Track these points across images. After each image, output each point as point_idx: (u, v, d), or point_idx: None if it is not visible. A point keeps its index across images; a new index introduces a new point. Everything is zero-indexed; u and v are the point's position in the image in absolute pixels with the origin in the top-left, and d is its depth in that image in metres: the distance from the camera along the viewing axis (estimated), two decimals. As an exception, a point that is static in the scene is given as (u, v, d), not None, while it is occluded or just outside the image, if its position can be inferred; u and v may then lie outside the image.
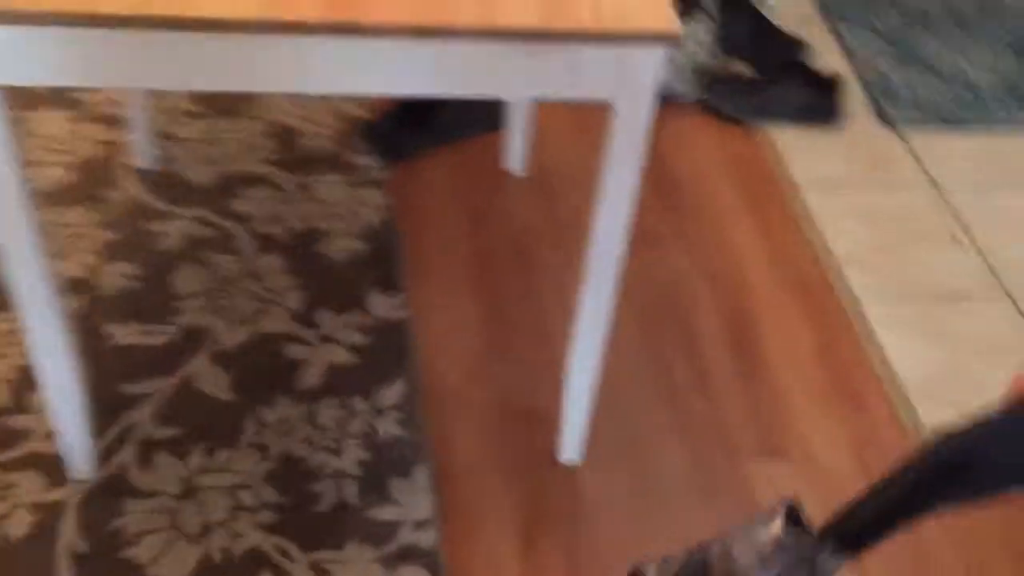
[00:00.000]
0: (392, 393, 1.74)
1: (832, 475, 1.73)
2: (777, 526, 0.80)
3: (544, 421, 1.74)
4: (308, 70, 1.13)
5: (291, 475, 1.62)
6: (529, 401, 1.78)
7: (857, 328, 2.00)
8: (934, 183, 2.34)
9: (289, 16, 1.08)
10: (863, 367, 1.93)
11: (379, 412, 1.71)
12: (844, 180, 2.32)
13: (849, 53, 2.67)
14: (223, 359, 1.76)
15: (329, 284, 1.91)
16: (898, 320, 2.01)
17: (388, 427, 1.70)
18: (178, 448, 1.63)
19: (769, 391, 1.85)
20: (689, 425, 1.78)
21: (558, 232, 2.10)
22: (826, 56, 2.63)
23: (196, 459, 1.62)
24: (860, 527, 0.76)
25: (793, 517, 0.79)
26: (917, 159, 2.40)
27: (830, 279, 2.10)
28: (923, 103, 2.54)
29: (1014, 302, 2.08)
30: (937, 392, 1.88)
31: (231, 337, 1.80)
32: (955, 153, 2.42)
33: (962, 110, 2.54)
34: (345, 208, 2.06)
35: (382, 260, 1.97)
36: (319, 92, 1.17)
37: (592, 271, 1.39)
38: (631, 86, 1.18)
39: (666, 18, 1.15)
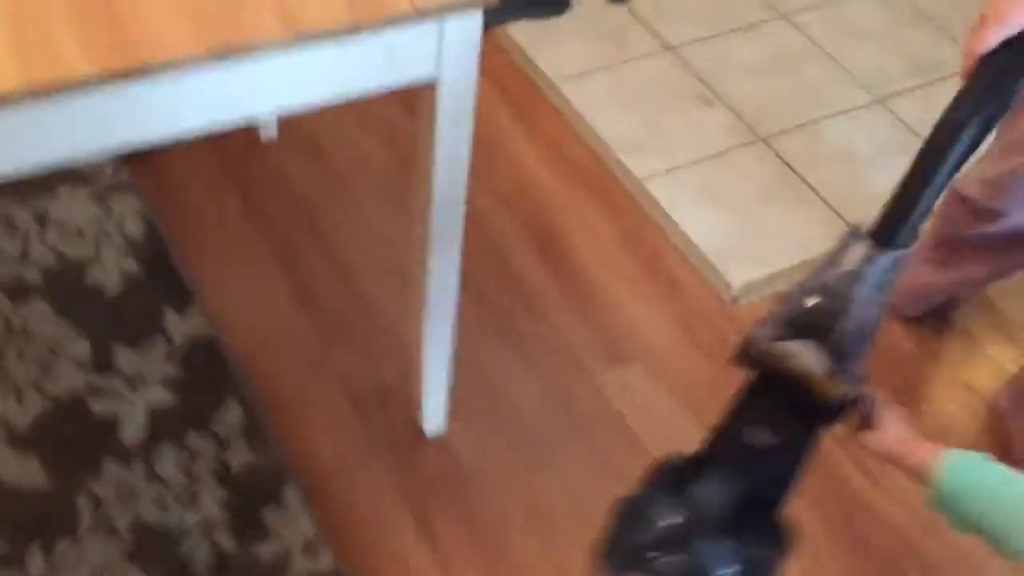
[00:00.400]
0: (229, 417, 1.60)
1: (674, 361, 1.80)
2: (858, 248, 0.91)
3: (397, 397, 1.66)
4: (86, 128, 0.94)
5: (152, 545, 1.46)
6: (375, 380, 1.70)
7: (648, 209, 2.05)
8: (670, 47, 2.40)
9: (55, 74, 0.88)
10: (665, 246, 2.00)
11: (223, 442, 1.57)
12: (590, 63, 2.32)
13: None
14: (22, 441, 1.53)
15: (113, 318, 1.69)
16: (680, 190, 2.08)
17: (239, 455, 1.56)
18: (10, 558, 1.42)
19: (593, 298, 1.88)
20: (533, 357, 1.77)
21: (339, 192, 1.97)
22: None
23: (36, 563, 1.42)
24: (906, 219, 0.91)
25: (859, 235, 0.93)
26: (649, 27, 2.44)
27: (610, 167, 2.12)
28: (638, -32, 2.57)
29: (768, 144, 2.21)
30: (736, 251, 1.98)
31: (22, 413, 1.55)
32: (679, 12, 2.49)
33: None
34: (98, 225, 1.80)
35: (162, 273, 1.76)
36: (99, 150, 0.98)
37: (435, 248, 1.31)
38: (456, 59, 1.08)
39: (477, -19, 1.05)
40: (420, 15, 1.01)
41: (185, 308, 1.71)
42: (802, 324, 0.89)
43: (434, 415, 1.61)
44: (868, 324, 0.90)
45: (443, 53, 1.06)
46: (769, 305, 1.89)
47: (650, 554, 0.93)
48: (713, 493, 0.93)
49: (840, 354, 0.88)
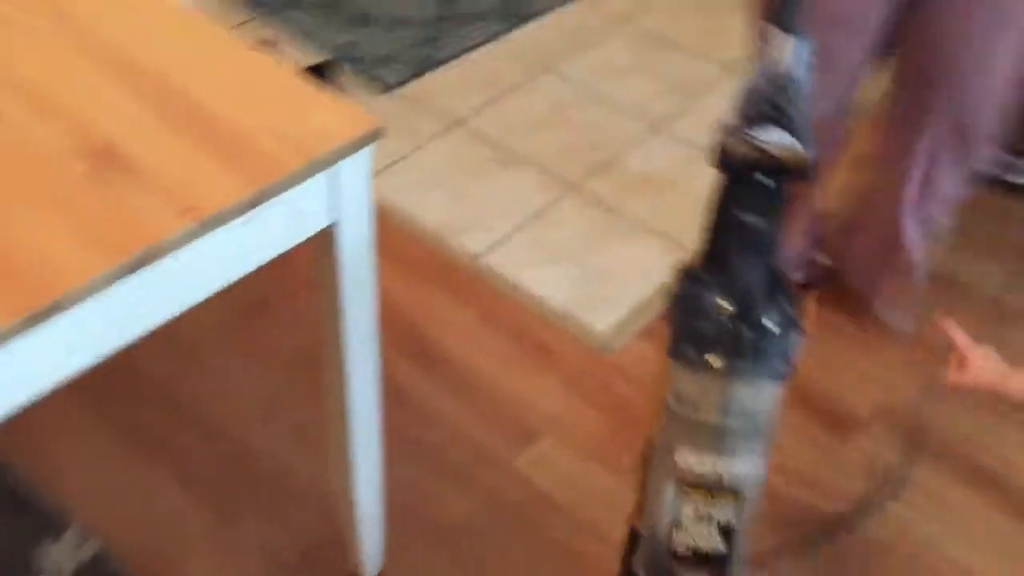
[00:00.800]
0: (154, 637, 1.43)
1: (574, 424, 1.81)
2: (777, 43, 1.08)
3: (324, 549, 1.56)
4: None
5: None
6: (295, 540, 1.58)
7: (494, 283, 2.06)
8: (457, 121, 2.43)
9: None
10: (525, 315, 2.00)
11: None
12: (389, 157, 2.31)
13: (306, 35, 2.62)
14: None
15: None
16: (517, 256, 2.11)
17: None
18: None
19: (479, 387, 1.85)
20: (444, 463, 1.72)
21: (181, 356, 1.83)
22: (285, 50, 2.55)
23: None
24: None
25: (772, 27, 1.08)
26: (430, 107, 2.46)
27: (444, 253, 2.11)
28: (397, 57, 2.59)
29: (579, 190, 2.28)
30: (590, 299, 2.02)
31: None
32: (451, 87, 2.53)
33: (428, 49, 2.64)
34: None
35: (21, 502, 1.55)
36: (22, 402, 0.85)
37: (355, 393, 1.24)
38: (354, 198, 1.03)
39: (360, 118, 1.01)
40: (316, 167, 0.96)
41: (60, 533, 1.52)
42: (760, 116, 1.07)
43: (371, 556, 1.52)
44: (808, 101, 1.09)
45: (342, 196, 1.02)
46: (641, 344, 1.95)
47: (720, 336, 1.12)
48: (747, 273, 1.12)
49: (799, 131, 1.07)
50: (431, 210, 2.18)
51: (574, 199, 2.26)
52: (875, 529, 1.67)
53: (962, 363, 1.15)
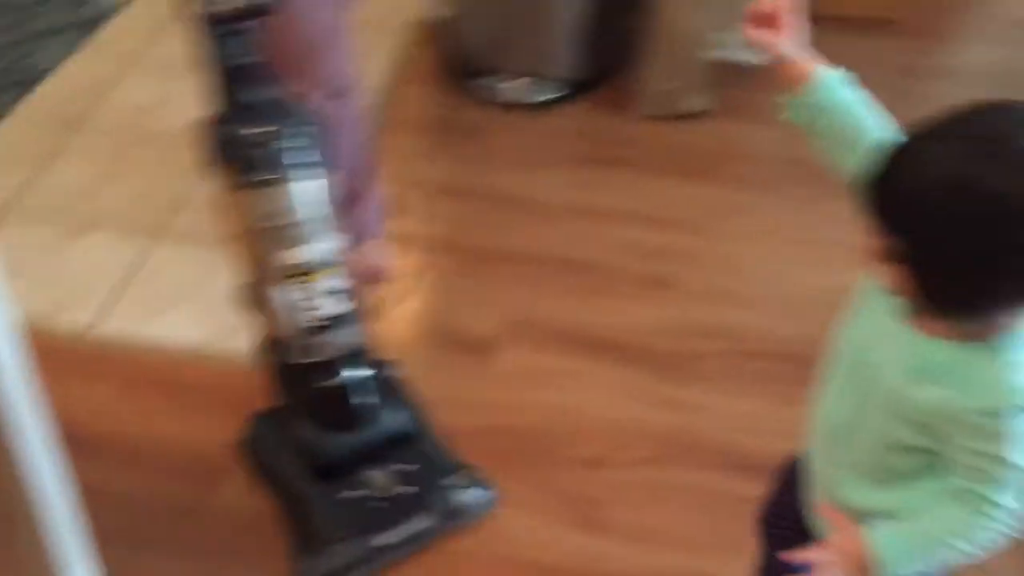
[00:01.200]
0: None
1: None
2: None
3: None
4: None
5: None
6: None
7: (121, 349, 2.00)
8: (2, 206, 2.28)
9: None
10: (164, 367, 1.97)
11: None
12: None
13: None
14: None
15: None
16: (132, 316, 2.06)
17: None
18: None
19: (152, 451, 1.82)
20: (141, 533, 1.69)
21: None
22: None
23: None
24: None
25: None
26: None
27: (55, 338, 1.98)
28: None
29: (167, 231, 2.26)
30: (222, 327, 2.02)
31: None
32: None
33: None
34: None
35: None
36: None
37: (47, 512, 1.20)
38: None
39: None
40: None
41: None
42: None
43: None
44: None
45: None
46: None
47: (265, 155, 1.45)
48: (260, 101, 1.46)
49: None
50: (19, 301, 2.04)
51: (165, 242, 2.24)
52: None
53: (782, 26, 1.06)
